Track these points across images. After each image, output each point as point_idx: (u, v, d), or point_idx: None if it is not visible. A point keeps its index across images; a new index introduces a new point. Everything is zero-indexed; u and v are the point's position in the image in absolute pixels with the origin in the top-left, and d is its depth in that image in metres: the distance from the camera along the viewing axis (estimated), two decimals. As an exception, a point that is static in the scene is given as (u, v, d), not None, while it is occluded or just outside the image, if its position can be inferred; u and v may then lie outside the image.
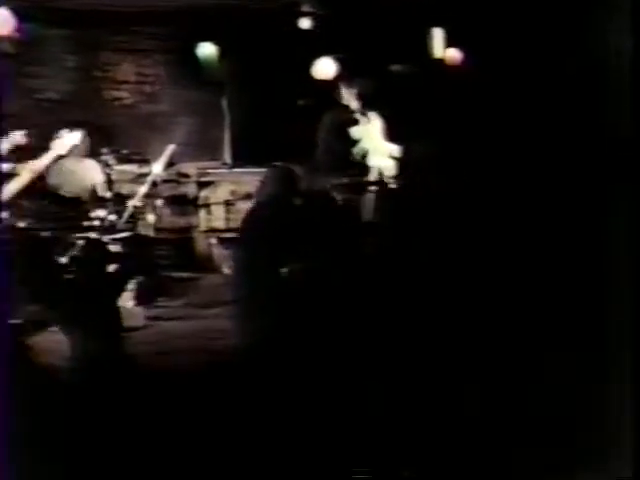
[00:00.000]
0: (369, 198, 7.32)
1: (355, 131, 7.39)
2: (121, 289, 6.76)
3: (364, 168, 7.35)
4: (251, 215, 6.07)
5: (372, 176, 7.37)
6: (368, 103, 7.45)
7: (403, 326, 5.53)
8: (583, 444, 4.08)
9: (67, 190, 7.17)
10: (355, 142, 7.35)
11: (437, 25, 9.18)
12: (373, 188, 7.35)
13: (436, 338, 5.40)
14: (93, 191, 7.34)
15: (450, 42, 9.19)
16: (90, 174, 7.45)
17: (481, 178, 7.66)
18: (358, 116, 7.45)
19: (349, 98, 7.48)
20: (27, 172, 5.71)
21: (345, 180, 7.21)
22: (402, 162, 7.41)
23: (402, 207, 7.20)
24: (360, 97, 7.47)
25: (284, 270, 5.66)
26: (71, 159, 7.07)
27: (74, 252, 6.27)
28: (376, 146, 7.44)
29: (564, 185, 7.06)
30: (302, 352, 5.23)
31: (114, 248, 6.69)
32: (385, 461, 4.16)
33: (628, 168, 4.54)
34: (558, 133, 7.61)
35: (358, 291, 5.79)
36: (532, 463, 3.99)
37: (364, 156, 7.36)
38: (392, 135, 7.50)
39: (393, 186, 7.37)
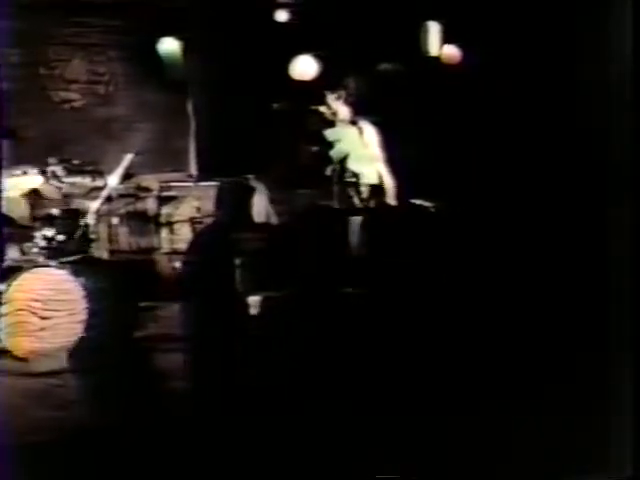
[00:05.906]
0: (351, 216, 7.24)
1: (330, 133, 7.34)
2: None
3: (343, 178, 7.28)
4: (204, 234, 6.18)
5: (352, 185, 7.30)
6: (357, 108, 7.41)
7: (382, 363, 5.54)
8: (583, 444, 4.19)
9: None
10: (331, 144, 7.32)
11: (432, 18, 9.01)
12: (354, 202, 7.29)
13: (435, 340, 5.65)
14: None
15: (447, 38, 9.04)
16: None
17: (480, 185, 7.67)
18: (341, 122, 7.42)
19: (334, 103, 7.46)
20: None
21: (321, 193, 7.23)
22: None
23: (383, 222, 7.19)
24: (348, 101, 7.47)
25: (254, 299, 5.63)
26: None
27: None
28: (358, 150, 7.35)
29: (564, 185, 7.06)
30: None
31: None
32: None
33: (627, 162, 4.74)
34: (558, 136, 7.48)
35: (336, 325, 5.83)
36: (532, 463, 4.08)
37: (343, 159, 7.24)
38: (385, 141, 7.48)
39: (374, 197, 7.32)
